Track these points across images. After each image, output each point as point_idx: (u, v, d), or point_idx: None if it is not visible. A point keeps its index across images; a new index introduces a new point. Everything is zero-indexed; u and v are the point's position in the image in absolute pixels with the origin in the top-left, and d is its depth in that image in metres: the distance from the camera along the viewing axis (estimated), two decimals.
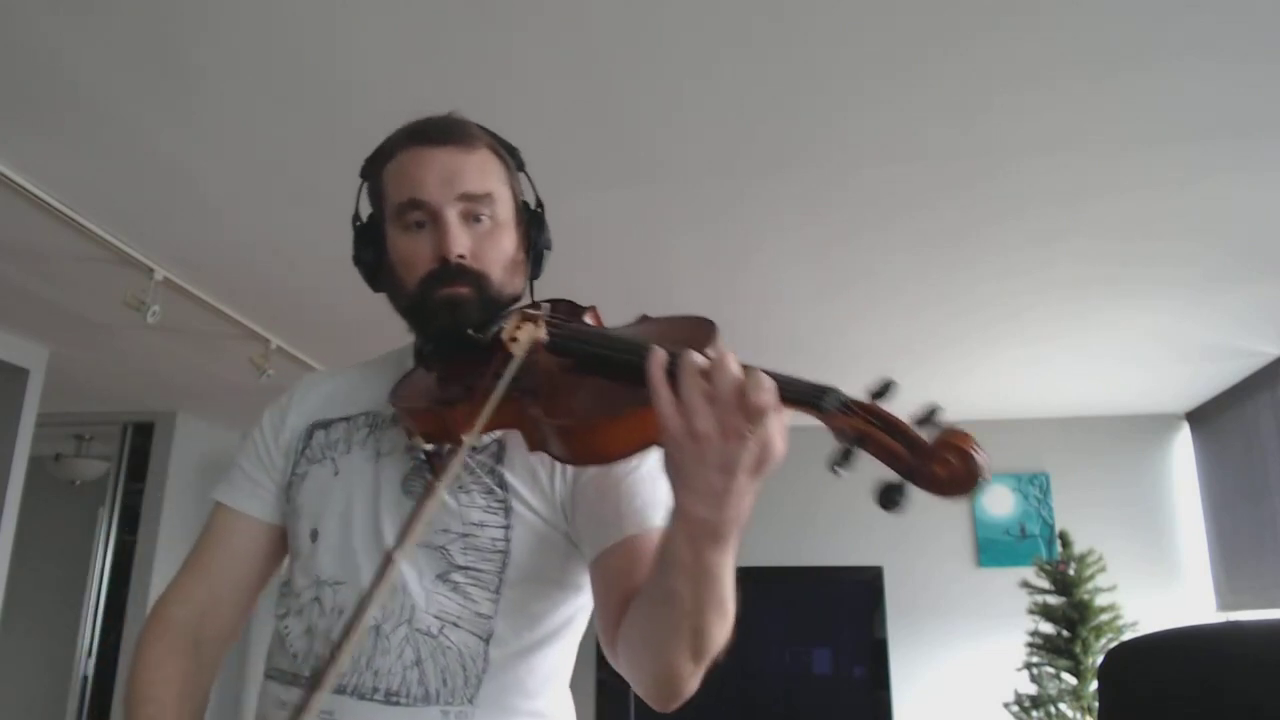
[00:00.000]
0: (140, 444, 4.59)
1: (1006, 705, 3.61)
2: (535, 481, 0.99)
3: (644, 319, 0.97)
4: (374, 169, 1.07)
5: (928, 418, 0.70)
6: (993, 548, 4.42)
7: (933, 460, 0.67)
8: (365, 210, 1.09)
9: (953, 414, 0.71)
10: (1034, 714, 3.52)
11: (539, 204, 1.09)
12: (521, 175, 1.09)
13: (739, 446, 0.71)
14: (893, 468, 0.69)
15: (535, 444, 0.86)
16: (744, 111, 1.99)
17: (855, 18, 1.68)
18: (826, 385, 0.72)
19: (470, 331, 0.96)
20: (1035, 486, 4.46)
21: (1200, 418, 4.35)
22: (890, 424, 0.69)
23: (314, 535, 1.02)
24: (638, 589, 0.89)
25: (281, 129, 2.05)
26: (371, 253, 1.05)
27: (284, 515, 1.08)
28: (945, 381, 3.94)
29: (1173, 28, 1.70)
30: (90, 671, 4.46)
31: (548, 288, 1.09)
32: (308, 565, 1.01)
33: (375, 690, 0.92)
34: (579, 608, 1.04)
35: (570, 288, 1.49)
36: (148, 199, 2.38)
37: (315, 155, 2.16)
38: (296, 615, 1.00)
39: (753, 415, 0.70)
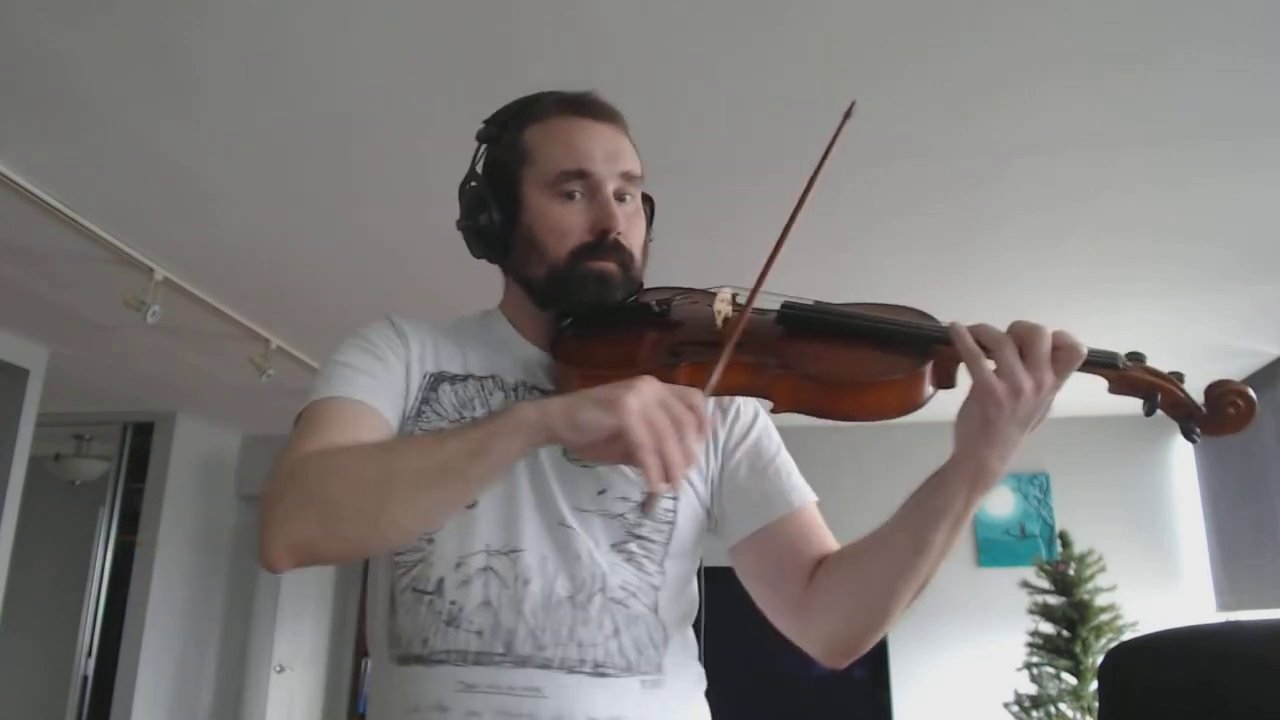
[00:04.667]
0: (140, 444, 4.59)
1: (1006, 705, 3.61)
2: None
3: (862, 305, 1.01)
4: (510, 130, 1.01)
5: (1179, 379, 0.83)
6: (993, 548, 4.42)
7: (1223, 403, 0.81)
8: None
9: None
10: (1034, 714, 3.51)
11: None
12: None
13: (1039, 403, 0.79)
14: (1181, 413, 0.82)
15: (786, 402, 0.89)
16: (745, 112, 1.99)
17: (856, 18, 1.68)
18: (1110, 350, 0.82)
19: (655, 307, 0.97)
20: (1035, 486, 4.46)
21: None
22: (1173, 380, 0.83)
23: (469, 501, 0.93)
24: (816, 553, 0.96)
25: (281, 129, 2.05)
26: (501, 215, 0.99)
27: None
28: None
29: (1173, 28, 1.70)
30: (90, 671, 4.46)
31: None
32: (463, 533, 0.92)
33: (583, 663, 0.88)
34: (696, 589, 1.04)
35: None
36: (148, 199, 2.38)
37: (315, 155, 2.15)
38: (461, 587, 0.90)
39: (1062, 372, 0.78)
